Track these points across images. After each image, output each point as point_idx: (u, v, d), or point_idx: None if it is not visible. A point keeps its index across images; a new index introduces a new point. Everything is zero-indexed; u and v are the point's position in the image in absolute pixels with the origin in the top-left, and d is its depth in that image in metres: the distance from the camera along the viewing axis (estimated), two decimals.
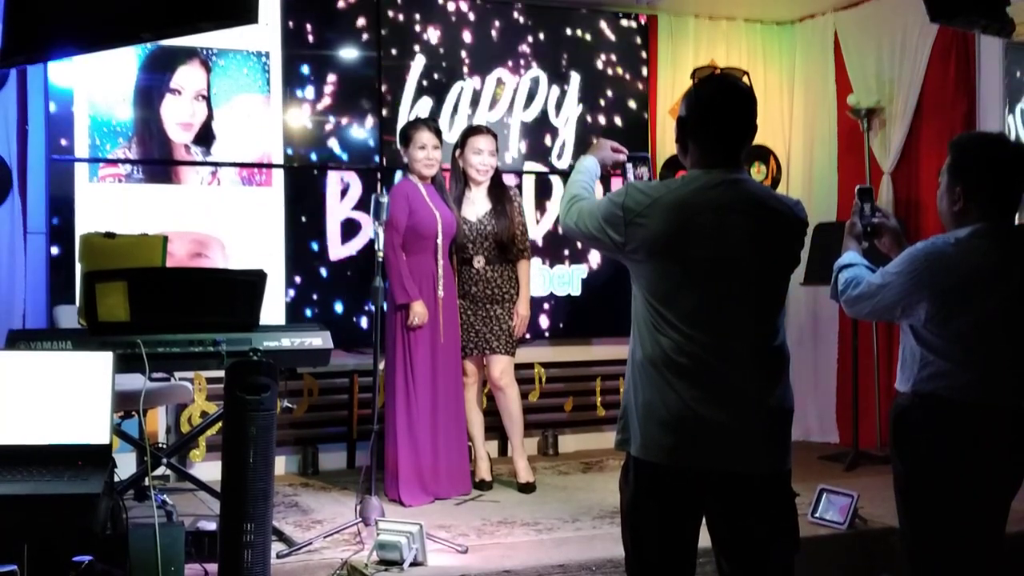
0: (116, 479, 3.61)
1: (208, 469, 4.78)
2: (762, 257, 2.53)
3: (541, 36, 6.00)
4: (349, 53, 5.63)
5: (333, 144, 5.59)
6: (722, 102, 2.60)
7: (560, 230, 2.82)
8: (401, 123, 5.57)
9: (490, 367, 5.00)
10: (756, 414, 2.50)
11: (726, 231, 2.49)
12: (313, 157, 5.54)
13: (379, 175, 5.64)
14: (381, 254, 4.43)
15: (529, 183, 5.97)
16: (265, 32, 5.34)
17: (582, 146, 6.06)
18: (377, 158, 5.65)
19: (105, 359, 3.40)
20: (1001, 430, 2.82)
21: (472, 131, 5.06)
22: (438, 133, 4.95)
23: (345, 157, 5.61)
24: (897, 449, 2.95)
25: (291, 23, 5.48)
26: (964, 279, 2.80)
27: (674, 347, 2.49)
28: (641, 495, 2.57)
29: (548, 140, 6.03)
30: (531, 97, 5.97)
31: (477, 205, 5.03)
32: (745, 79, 2.68)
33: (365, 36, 5.64)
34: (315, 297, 5.51)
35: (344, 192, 5.59)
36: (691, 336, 2.48)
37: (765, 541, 2.56)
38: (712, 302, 2.49)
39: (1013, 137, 5.79)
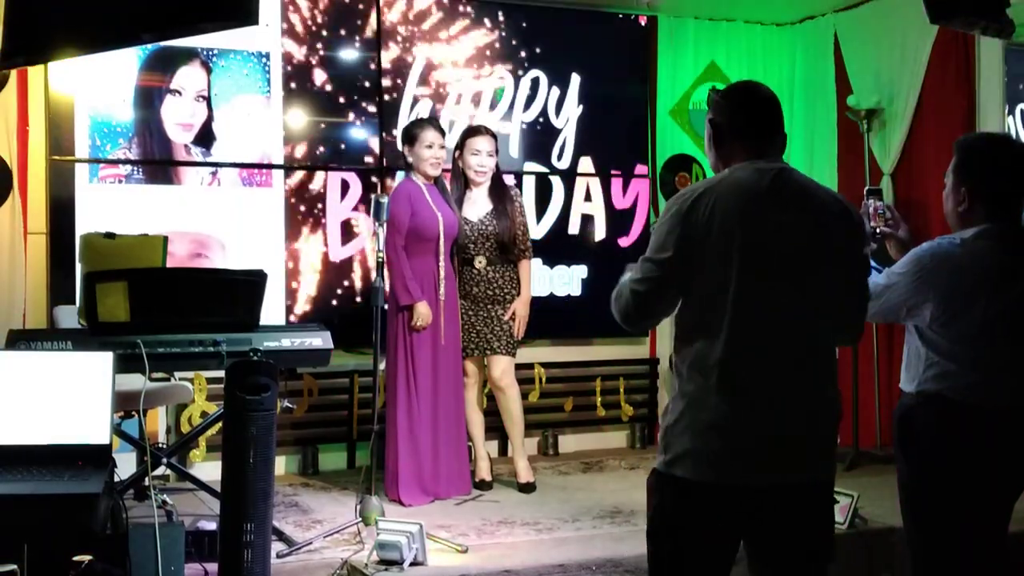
0: (116, 479, 3.61)
1: (208, 469, 4.78)
2: (814, 254, 2.44)
3: (541, 37, 6.00)
4: (349, 53, 5.64)
5: (333, 144, 5.60)
6: (756, 95, 2.58)
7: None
8: (401, 123, 5.57)
9: (491, 367, 5.00)
10: (801, 421, 2.44)
11: (778, 223, 2.42)
12: (313, 157, 5.55)
13: (379, 175, 5.64)
14: (381, 254, 4.43)
15: (529, 183, 5.97)
16: (265, 32, 5.35)
17: (582, 147, 6.08)
18: (377, 158, 5.65)
19: (105, 359, 3.40)
20: (1006, 431, 2.82)
21: (471, 132, 5.06)
22: (443, 132, 4.95)
23: (345, 157, 5.61)
24: (901, 449, 2.94)
25: (291, 23, 5.49)
26: (970, 280, 2.80)
27: (722, 356, 2.40)
28: (683, 517, 2.48)
29: (548, 140, 6.03)
30: (531, 98, 5.97)
31: (478, 205, 5.03)
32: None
33: (365, 36, 5.65)
34: (315, 297, 5.51)
35: (344, 192, 5.59)
36: (735, 342, 2.40)
37: (804, 552, 2.49)
38: (756, 304, 2.40)
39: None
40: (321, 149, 5.55)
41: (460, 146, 5.05)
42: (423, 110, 5.70)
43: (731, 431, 2.41)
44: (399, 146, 5.06)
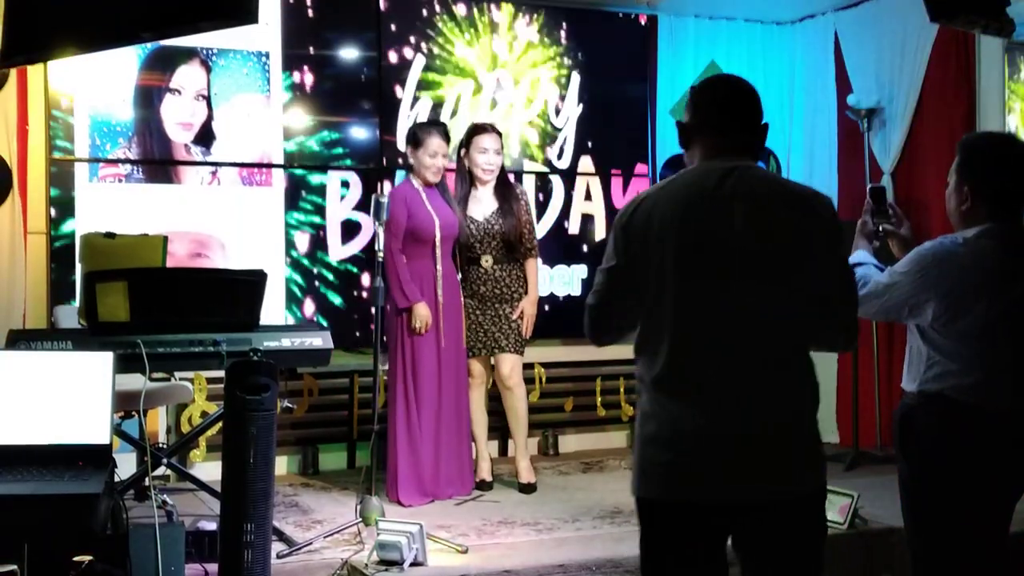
0: (116, 479, 3.61)
1: (208, 469, 4.78)
2: (771, 253, 2.29)
3: (541, 36, 6.00)
4: (349, 53, 5.63)
5: (333, 144, 5.59)
6: (721, 90, 2.46)
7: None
8: (401, 123, 5.57)
9: (499, 366, 4.98)
10: (759, 430, 2.26)
11: (725, 223, 2.29)
12: (313, 157, 5.54)
13: (379, 175, 5.63)
14: (381, 254, 4.43)
15: (529, 183, 5.97)
16: (265, 32, 5.34)
17: (582, 146, 6.07)
18: (377, 158, 5.65)
19: (105, 359, 3.40)
20: (1007, 432, 2.81)
21: (477, 130, 5.02)
22: (448, 140, 4.91)
23: (345, 157, 5.61)
24: (902, 449, 2.93)
25: (291, 23, 5.48)
26: (972, 279, 2.79)
27: (668, 362, 2.29)
28: (656, 542, 2.36)
29: (548, 140, 6.03)
30: (531, 97, 5.97)
31: (484, 204, 5.01)
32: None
33: (365, 36, 5.64)
34: (315, 297, 5.51)
35: (344, 192, 5.59)
36: (675, 351, 2.28)
37: (785, 568, 2.34)
38: (700, 310, 2.28)
39: None
40: (321, 148, 5.55)
41: (466, 144, 5.01)
42: (423, 109, 5.69)
43: (675, 444, 2.28)
44: (402, 145, 5.01)
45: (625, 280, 2.38)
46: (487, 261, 4.97)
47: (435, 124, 4.97)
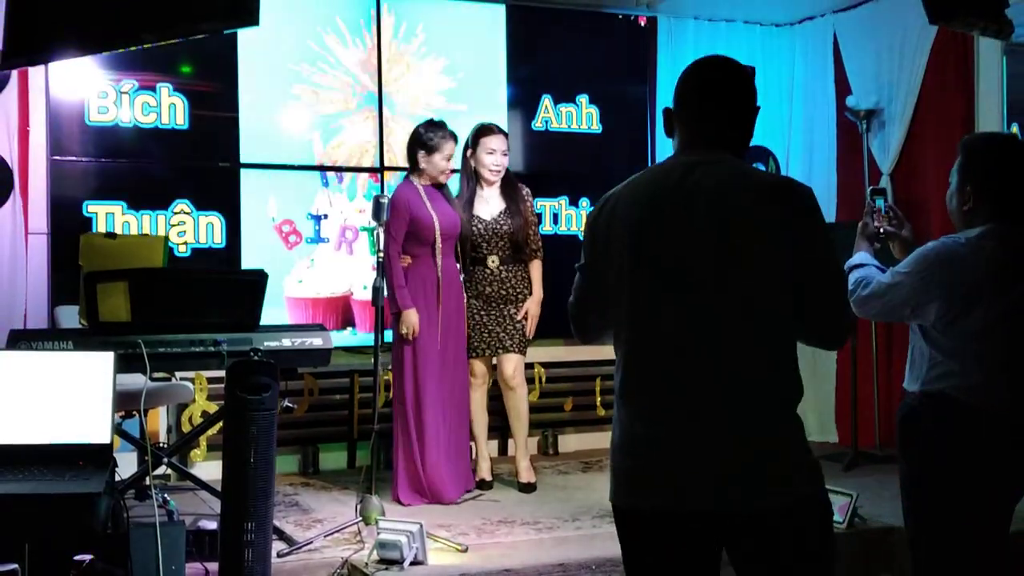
0: (117, 478, 3.61)
1: (209, 468, 4.79)
2: (736, 249, 2.13)
3: (540, 38, 6.00)
4: (349, 53, 5.64)
5: (333, 144, 5.60)
6: (704, 73, 2.29)
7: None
8: (402, 124, 5.57)
9: (503, 366, 4.97)
10: (724, 440, 2.12)
11: (684, 221, 2.16)
12: (313, 157, 5.55)
13: (379, 175, 5.64)
14: (381, 254, 4.43)
15: (528, 184, 5.96)
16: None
17: (582, 147, 6.07)
18: (378, 158, 5.66)
19: (106, 359, 3.41)
20: (1008, 432, 2.81)
21: (484, 130, 4.98)
22: (457, 141, 4.88)
23: (345, 157, 5.61)
24: (903, 449, 2.93)
25: (290, 23, 5.49)
26: (974, 280, 2.80)
27: (625, 366, 2.23)
28: (627, 547, 2.29)
29: (548, 142, 6.03)
30: (531, 99, 5.97)
31: (491, 204, 4.99)
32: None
33: (365, 35, 5.65)
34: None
35: (343, 192, 5.60)
36: (635, 353, 2.21)
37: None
38: (658, 312, 2.18)
39: None
40: (321, 148, 5.56)
41: (473, 145, 4.97)
42: (422, 109, 5.70)
43: (632, 449, 2.20)
44: (408, 146, 4.93)
45: (593, 279, 2.32)
46: (493, 261, 4.96)
47: (446, 129, 4.85)
